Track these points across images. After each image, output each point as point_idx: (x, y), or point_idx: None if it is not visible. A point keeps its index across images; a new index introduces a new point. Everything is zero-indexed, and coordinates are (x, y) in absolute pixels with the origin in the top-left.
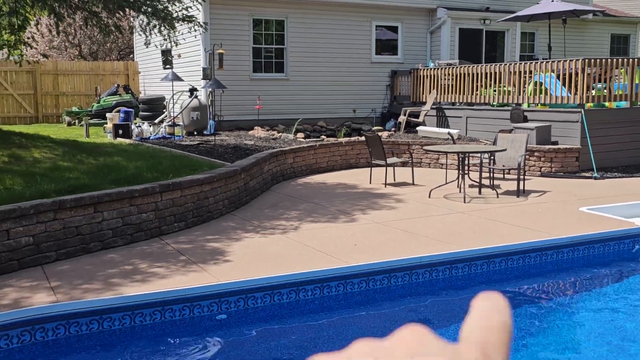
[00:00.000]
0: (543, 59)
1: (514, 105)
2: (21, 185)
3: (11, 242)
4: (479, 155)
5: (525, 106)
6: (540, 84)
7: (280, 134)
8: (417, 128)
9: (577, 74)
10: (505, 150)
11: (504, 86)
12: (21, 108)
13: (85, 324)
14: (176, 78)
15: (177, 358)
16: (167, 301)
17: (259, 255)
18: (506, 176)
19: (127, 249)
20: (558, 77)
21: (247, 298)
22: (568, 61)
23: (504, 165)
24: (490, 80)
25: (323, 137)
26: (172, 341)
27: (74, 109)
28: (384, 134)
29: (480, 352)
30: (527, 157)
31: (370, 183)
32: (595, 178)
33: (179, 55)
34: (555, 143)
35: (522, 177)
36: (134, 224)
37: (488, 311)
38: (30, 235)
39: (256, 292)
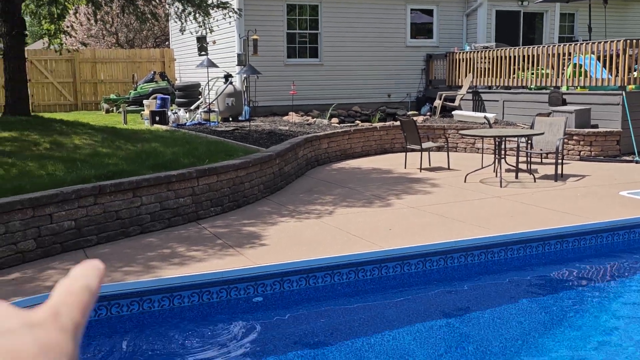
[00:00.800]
0: (583, 40)
1: (552, 88)
2: (63, 170)
3: (54, 226)
4: (515, 139)
5: (564, 89)
6: (580, 66)
7: (315, 119)
8: (453, 112)
9: (618, 55)
10: (542, 133)
11: (542, 69)
12: (61, 96)
13: (126, 305)
14: (211, 64)
15: (214, 339)
16: (204, 284)
17: (295, 239)
18: (544, 160)
19: (165, 233)
20: (598, 58)
21: (282, 281)
22: (609, 42)
23: (541, 150)
24: (528, 63)
25: (357, 122)
26: (209, 322)
27: (112, 96)
28: (419, 119)
29: (51, 312)
30: (565, 140)
31: (405, 168)
32: (637, 162)
33: (214, 42)
34: (595, 126)
35: (560, 161)
36: (172, 208)
37: (76, 276)
38: (72, 220)
39: (292, 276)
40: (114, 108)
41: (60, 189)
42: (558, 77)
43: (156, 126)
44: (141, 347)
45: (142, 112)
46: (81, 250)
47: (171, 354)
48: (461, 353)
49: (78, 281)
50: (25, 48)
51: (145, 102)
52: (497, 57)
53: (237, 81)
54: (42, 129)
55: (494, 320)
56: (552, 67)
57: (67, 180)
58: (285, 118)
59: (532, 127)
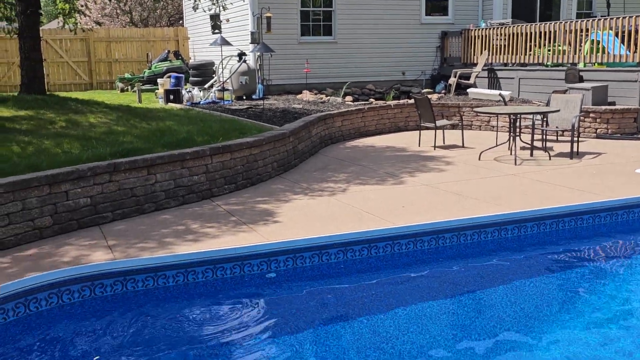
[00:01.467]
0: (601, 16)
1: (569, 65)
2: (78, 148)
3: (70, 202)
4: (531, 116)
5: (581, 66)
6: (598, 42)
7: (329, 97)
8: (468, 90)
9: (637, 31)
10: (558, 111)
11: (559, 45)
12: (76, 75)
13: (141, 281)
14: (225, 43)
15: (228, 314)
16: (218, 260)
17: (308, 216)
18: (559, 138)
19: (180, 210)
20: (616, 34)
21: (295, 257)
22: (627, 18)
23: (557, 127)
24: (545, 39)
25: (371, 100)
26: (223, 298)
27: (127, 75)
28: (434, 97)
29: None
30: (581, 118)
31: (419, 146)
32: None
33: (227, 20)
34: (612, 104)
35: (576, 138)
36: (186, 186)
37: None
38: (88, 197)
39: (305, 252)
40: (129, 87)
41: (76, 167)
42: (575, 53)
43: (170, 105)
44: (156, 322)
45: (157, 90)
46: (97, 227)
47: (185, 329)
48: (474, 329)
49: None
50: (40, 28)
51: (159, 80)
52: (513, 33)
53: (250, 59)
54: (58, 108)
55: (508, 297)
56: (569, 44)
57: (82, 158)
58: (299, 96)
59: (548, 104)
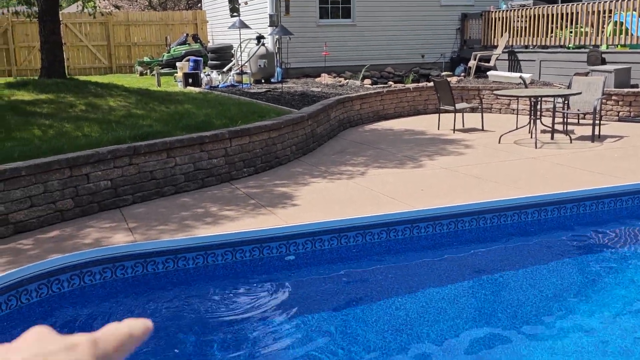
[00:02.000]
0: None
1: (591, 47)
2: (98, 131)
3: (91, 185)
4: (552, 99)
5: (603, 48)
6: (621, 23)
7: (347, 80)
8: (488, 73)
9: None
10: (580, 93)
11: (581, 27)
12: (95, 59)
13: (162, 263)
14: (243, 26)
15: (247, 296)
16: (238, 242)
17: (326, 199)
18: (581, 121)
19: (199, 193)
20: None
21: (314, 240)
22: None
23: (578, 110)
24: (566, 21)
25: (390, 83)
26: (242, 280)
27: (145, 59)
28: (453, 79)
29: (91, 340)
30: (604, 101)
31: (438, 129)
32: None
33: (246, 3)
34: (636, 86)
35: (597, 121)
36: (205, 169)
37: (125, 324)
38: (108, 179)
39: (323, 235)
40: (148, 71)
41: (96, 150)
42: (597, 35)
43: (189, 88)
44: (175, 303)
45: (175, 74)
46: (117, 210)
47: (204, 311)
48: (493, 312)
49: (124, 328)
50: (60, 11)
51: (178, 64)
52: (534, 15)
53: (269, 42)
54: (78, 91)
55: (528, 281)
56: (592, 25)
57: (102, 141)
58: (317, 79)
59: (569, 87)
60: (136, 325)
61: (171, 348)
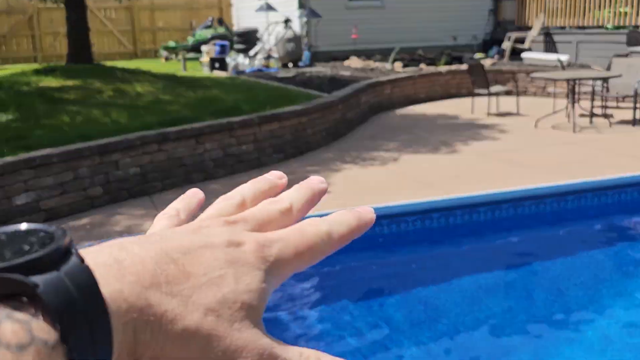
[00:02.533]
0: None
1: (631, 27)
2: (126, 118)
3: (120, 172)
4: (590, 82)
5: None
6: None
7: (377, 64)
8: (523, 55)
9: None
10: (620, 76)
11: (620, 7)
12: (120, 44)
13: None
14: (270, 8)
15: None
16: None
17: (359, 186)
18: (620, 105)
19: (229, 179)
20: None
21: None
22: None
23: (617, 93)
24: (605, 0)
25: (422, 66)
26: None
27: (171, 43)
28: (487, 62)
29: (259, 242)
30: None
31: (472, 113)
32: None
33: None
34: None
35: (638, 105)
36: (234, 155)
37: (328, 218)
38: (138, 166)
39: None
40: (173, 55)
41: (125, 136)
42: (638, 15)
43: (216, 73)
44: None
45: (201, 59)
46: (147, 197)
47: None
48: (531, 302)
49: (323, 224)
50: None
51: (204, 48)
52: None
53: (296, 25)
54: (105, 77)
55: (567, 270)
56: (632, 5)
57: (131, 127)
58: (346, 63)
59: (608, 69)
60: (342, 223)
61: None
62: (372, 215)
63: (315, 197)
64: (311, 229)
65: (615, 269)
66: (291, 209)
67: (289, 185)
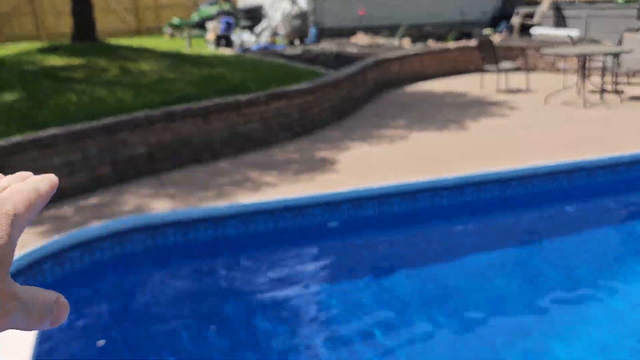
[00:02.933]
0: None
1: None
2: (132, 96)
3: (128, 151)
4: (600, 57)
5: None
6: None
7: (384, 40)
8: (532, 30)
9: None
10: (631, 51)
11: None
12: (124, 22)
13: (202, 230)
14: None
15: (290, 262)
16: (279, 209)
17: (367, 164)
18: (631, 80)
19: (236, 158)
20: None
21: (357, 207)
22: None
23: (628, 68)
24: None
25: (430, 42)
26: (284, 247)
27: (175, 20)
28: (496, 38)
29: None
30: None
31: (481, 90)
32: None
33: None
34: None
35: None
36: (241, 133)
37: (28, 180)
38: (145, 145)
39: (367, 201)
40: (177, 33)
41: (132, 115)
42: None
43: (221, 50)
44: (217, 270)
45: (206, 36)
46: (155, 176)
47: (246, 278)
48: (541, 279)
49: (29, 184)
50: None
51: (208, 26)
52: None
53: (302, 1)
54: (109, 55)
55: (577, 246)
56: None
57: (137, 106)
58: (353, 40)
59: (619, 44)
60: (41, 182)
61: (211, 316)
62: (55, 179)
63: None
64: (27, 187)
65: (627, 245)
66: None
67: (297, 163)
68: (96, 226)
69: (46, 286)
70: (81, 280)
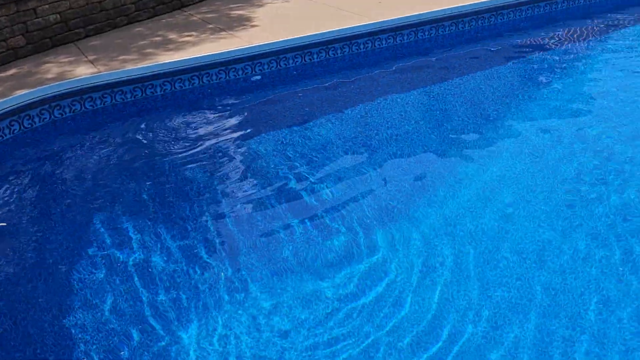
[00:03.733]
0: None
1: None
2: None
3: (40, 20)
4: None
5: None
6: None
7: None
8: None
9: None
10: None
11: None
12: None
13: (130, 92)
14: None
15: (217, 116)
16: (203, 66)
17: (285, 18)
18: None
19: (152, 22)
20: None
21: (279, 59)
22: None
23: None
24: None
25: None
26: (211, 102)
27: None
28: None
29: None
30: None
31: None
32: None
33: None
34: None
35: None
36: None
37: None
38: (57, 13)
39: (287, 53)
40: None
41: None
42: None
43: None
44: (145, 131)
45: None
46: (72, 44)
47: (174, 135)
48: (452, 113)
49: None
50: None
51: None
52: None
53: None
54: None
55: (483, 83)
56: None
57: None
58: None
59: None
60: None
61: (152, 170)
62: None
63: None
64: None
65: (527, 83)
66: None
67: (215, 22)
68: (21, 94)
69: None
70: (13, 149)
